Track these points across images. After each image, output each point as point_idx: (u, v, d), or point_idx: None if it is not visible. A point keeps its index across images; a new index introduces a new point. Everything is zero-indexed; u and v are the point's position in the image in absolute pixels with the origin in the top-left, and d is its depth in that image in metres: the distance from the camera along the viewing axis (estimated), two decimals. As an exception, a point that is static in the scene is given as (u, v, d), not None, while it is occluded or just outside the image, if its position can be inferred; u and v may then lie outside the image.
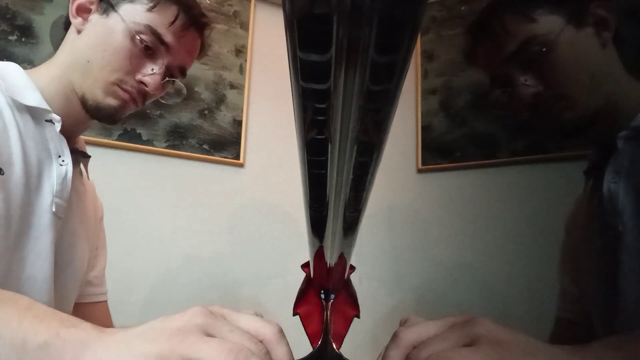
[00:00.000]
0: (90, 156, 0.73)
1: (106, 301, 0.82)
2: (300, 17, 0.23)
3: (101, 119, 0.67)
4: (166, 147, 1.32)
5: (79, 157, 0.70)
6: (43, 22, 1.20)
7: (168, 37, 0.66)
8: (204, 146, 1.37)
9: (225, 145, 1.41)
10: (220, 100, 1.42)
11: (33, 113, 0.61)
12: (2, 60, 1.08)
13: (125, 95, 0.65)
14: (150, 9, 0.64)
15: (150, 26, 0.64)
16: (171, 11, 0.66)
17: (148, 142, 1.30)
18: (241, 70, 1.47)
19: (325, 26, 0.23)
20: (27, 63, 1.16)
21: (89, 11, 0.65)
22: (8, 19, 1.16)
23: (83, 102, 0.65)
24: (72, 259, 0.68)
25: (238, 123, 1.44)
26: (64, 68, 0.65)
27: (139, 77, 0.65)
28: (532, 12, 0.62)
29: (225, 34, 1.46)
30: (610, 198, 0.61)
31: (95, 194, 0.80)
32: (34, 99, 0.60)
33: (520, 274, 1.21)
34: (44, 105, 0.61)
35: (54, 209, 0.61)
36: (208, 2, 1.45)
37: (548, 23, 0.62)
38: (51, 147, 0.62)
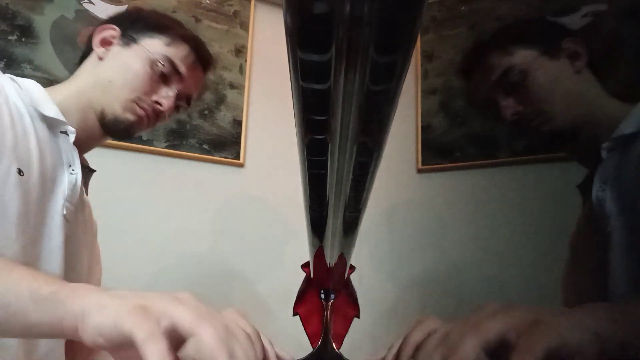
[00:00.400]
0: (95, 170, 0.79)
1: None
2: (300, 17, 0.23)
3: (116, 133, 0.74)
4: (166, 147, 1.32)
5: (85, 171, 0.76)
6: (43, 22, 1.20)
7: (182, 68, 0.76)
8: (204, 146, 1.37)
9: (225, 145, 1.41)
10: (220, 100, 1.42)
11: (50, 123, 0.67)
12: (2, 60, 1.08)
13: (142, 112, 0.74)
14: (167, 44, 0.75)
15: (168, 56, 0.75)
16: (184, 48, 0.77)
17: (148, 142, 1.30)
18: (241, 70, 1.47)
19: (325, 26, 0.23)
20: (27, 63, 1.16)
21: (111, 43, 0.75)
22: (8, 19, 1.16)
23: (101, 116, 0.72)
24: (76, 264, 0.72)
25: (238, 123, 1.44)
26: (84, 87, 0.73)
27: (154, 97, 0.74)
28: (510, 48, 0.75)
29: (225, 34, 1.46)
30: (599, 205, 0.66)
31: (91, 211, 0.84)
32: (52, 111, 0.67)
33: (521, 274, 1.21)
34: (60, 117, 0.67)
35: (64, 212, 0.67)
36: (208, 2, 1.45)
37: (524, 55, 0.73)
38: (64, 156, 0.68)
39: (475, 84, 0.80)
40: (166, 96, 0.75)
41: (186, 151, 1.35)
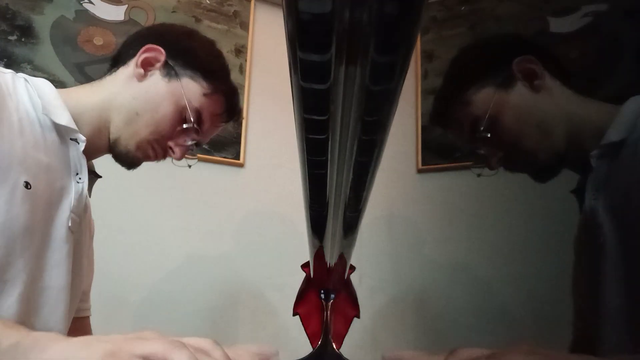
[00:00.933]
0: (100, 176, 0.78)
1: (89, 317, 0.84)
2: (300, 17, 0.23)
3: (121, 163, 0.73)
4: (166, 147, 1.32)
5: (91, 176, 0.74)
6: (43, 22, 1.20)
7: (206, 124, 0.74)
8: (204, 146, 1.37)
9: (225, 145, 1.41)
10: (220, 100, 1.42)
11: (60, 131, 0.65)
12: (3, 60, 1.08)
13: (152, 154, 0.73)
14: (206, 95, 0.72)
15: (199, 110, 0.72)
16: (220, 104, 0.74)
17: (148, 142, 1.30)
18: (241, 70, 1.47)
19: (325, 26, 0.23)
20: (27, 63, 1.16)
21: (152, 66, 0.71)
22: (8, 19, 1.16)
23: (114, 143, 0.71)
24: (78, 272, 0.71)
25: (238, 123, 1.44)
26: (108, 104, 0.70)
27: (170, 144, 0.73)
28: (466, 95, 0.72)
29: (225, 34, 1.46)
30: (591, 214, 0.65)
31: (90, 212, 0.83)
32: (65, 119, 0.64)
33: (521, 274, 1.21)
34: (72, 125, 0.65)
35: (69, 224, 0.65)
36: (208, 2, 1.45)
37: (481, 99, 0.71)
38: (72, 164, 0.66)
39: (454, 138, 0.79)
40: (182, 145, 0.73)
41: (186, 151, 1.35)
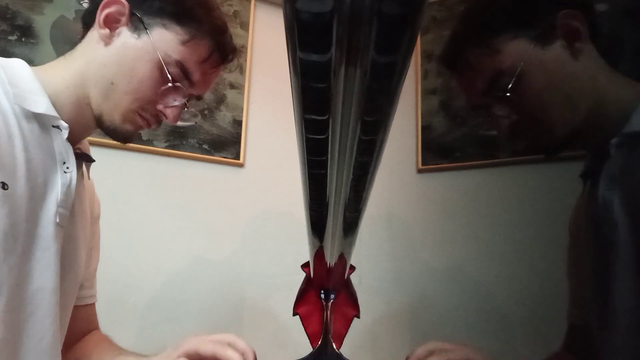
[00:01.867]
0: (94, 160, 0.72)
1: (94, 303, 0.81)
2: (300, 17, 0.23)
3: (114, 139, 0.66)
4: (166, 147, 1.32)
5: (83, 160, 0.69)
6: (43, 22, 1.20)
7: (196, 75, 0.65)
8: (204, 146, 1.37)
9: (225, 145, 1.41)
10: (220, 100, 1.42)
11: (40, 119, 0.59)
12: (2, 60, 1.05)
13: (143, 123, 0.65)
14: (184, 42, 0.62)
15: (181, 62, 0.63)
16: (204, 48, 0.64)
17: (148, 142, 1.29)
18: (241, 70, 1.47)
19: (325, 26, 0.23)
20: (27, 63, 1.16)
21: (117, 22, 0.62)
22: (8, 19, 1.16)
23: (98, 120, 0.64)
24: (73, 266, 0.67)
25: (238, 123, 1.44)
26: (82, 78, 0.63)
27: (160, 107, 0.64)
28: (494, 41, 0.61)
29: (225, 34, 1.46)
30: (604, 206, 0.60)
31: (93, 193, 0.79)
32: (43, 106, 0.58)
33: (520, 274, 1.21)
34: (52, 112, 0.59)
35: (57, 220, 0.60)
36: (208, 2, 1.44)
37: (512, 51, 0.61)
38: (57, 153, 0.61)
39: (461, 84, 0.69)
40: (173, 106, 0.64)
41: (186, 151, 1.35)
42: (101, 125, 0.64)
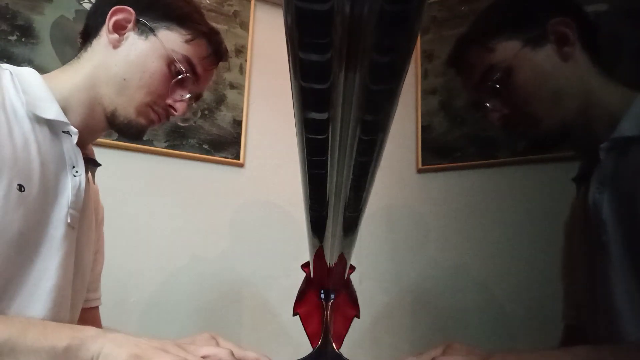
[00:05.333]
0: (100, 164, 0.74)
1: (98, 307, 0.83)
2: (300, 17, 0.23)
3: (127, 135, 0.69)
4: (166, 147, 1.32)
5: (90, 165, 0.71)
6: (43, 22, 1.20)
7: (199, 69, 0.70)
8: (204, 146, 1.37)
9: (225, 145, 1.41)
10: (220, 100, 1.42)
11: (51, 125, 0.62)
12: (2, 60, 1.07)
13: (155, 117, 0.69)
14: (187, 41, 0.68)
15: (187, 56, 0.68)
16: (204, 47, 0.71)
17: (148, 142, 1.29)
18: (241, 70, 1.47)
19: (325, 26, 0.23)
20: (27, 63, 1.16)
21: (124, 28, 0.67)
22: (8, 19, 1.16)
23: (112, 116, 0.67)
24: (80, 267, 0.69)
25: (238, 123, 1.44)
26: (93, 80, 0.67)
27: (169, 101, 0.69)
28: (491, 42, 0.68)
29: (225, 34, 1.46)
30: (595, 208, 0.62)
31: (97, 197, 0.81)
32: (53, 112, 0.62)
33: (520, 274, 1.21)
34: (62, 118, 0.62)
35: (69, 220, 0.63)
36: (208, 2, 1.45)
37: (505, 50, 0.67)
38: (67, 158, 0.64)
39: (462, 84, 0.76)
40: (181, 100, 0.69)
41: (186, 151, 1.35)
42: (115, 121, 0.67)
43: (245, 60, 1.48)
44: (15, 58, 1.15)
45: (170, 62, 0.67)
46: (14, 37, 1.16)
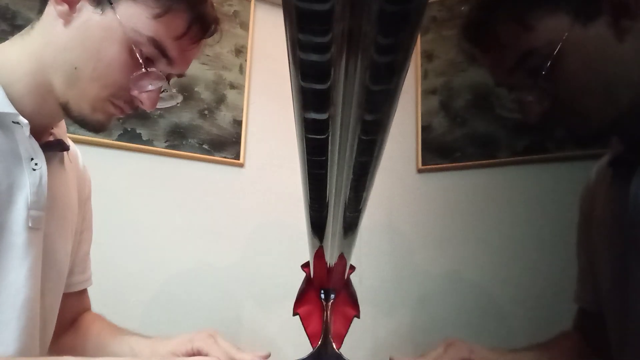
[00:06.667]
0: (68, 147, 0.64)
1: (86, 289, 0.77)
2: (300, 16, 0.23)
3: (87, 129, 0.58)
4: (166, 147, 1.32)
5: (56, 151, 0.62)
6: (43, 22, 1.20)
7: (173, 52, 0.56)
8: (204, 146, 1.37)
9: (225, 145, 1.41)
10: (220, 100, 1.42)
11: None
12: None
13: (116, 111, 0.57)
14: (156, 16, 0.52)
15: (154, 39, 0.53)
16: (181, 21, 0.54)
17: (148, 142, 1.29)
18: (241, 70, 1.47)
19: (325, 26, 0.23)
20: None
21: None
22: (8, 19, 1.16)
23: (65, 109, 0.56)
24: (55, 262, 0.62)
25: (238, 123, 1.44)
26: (41, 63, 0.54)
27: (134, 92, 0.56)
28: (529, 16, 0.53)
29: (225, 34, 1.45)
30: (636, 204, 0.54)
31: (82, 173, 0.72)
32: None
33: (520, 274, 1.21)
34: (8, 109, 0.52)
35: (30, 224, 0.54)
36: (208, 2, 1.44)
37: (548, 29, 0.53)
38: (21, 150, 0.54)
39: (486, 61, 0.61)
40: (149, 91, 0.56)
41: (186, 151, 1.35)
42: (69, 115, 0.57)
43: (245, 60, 1.48)
44: None
45: (131, 48, 0.53)
46: (14, 37, 1.16)
